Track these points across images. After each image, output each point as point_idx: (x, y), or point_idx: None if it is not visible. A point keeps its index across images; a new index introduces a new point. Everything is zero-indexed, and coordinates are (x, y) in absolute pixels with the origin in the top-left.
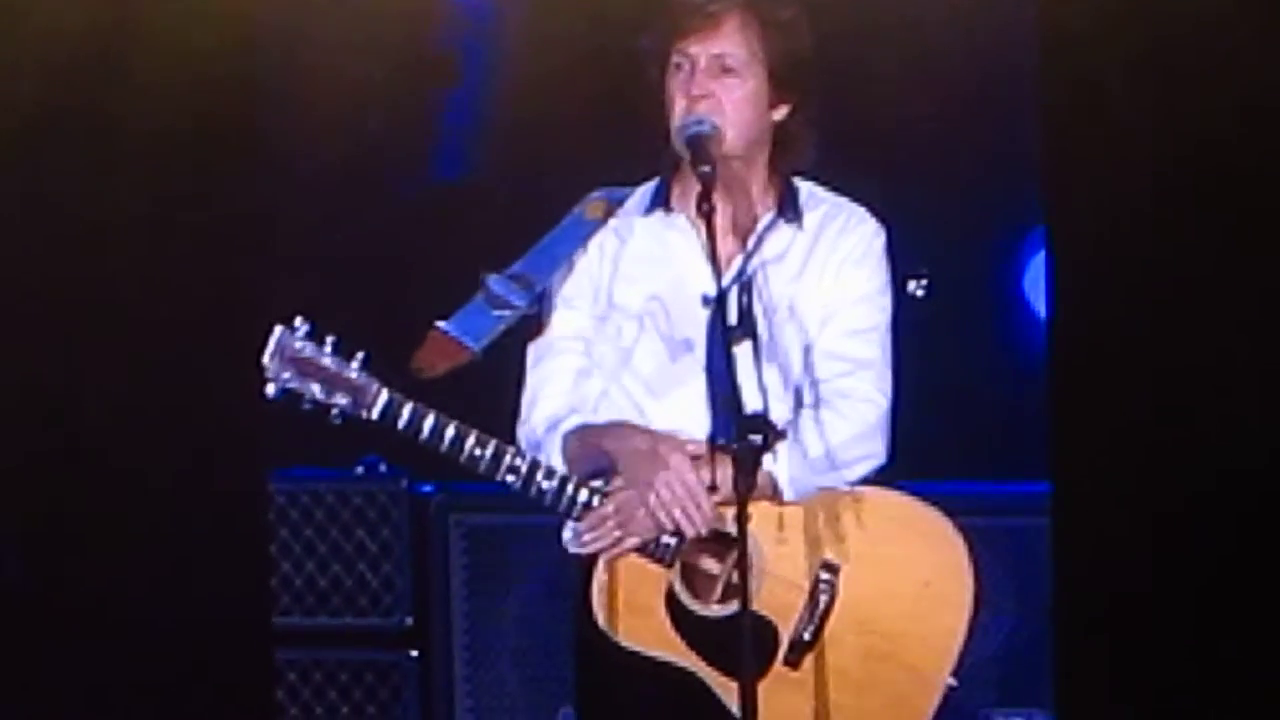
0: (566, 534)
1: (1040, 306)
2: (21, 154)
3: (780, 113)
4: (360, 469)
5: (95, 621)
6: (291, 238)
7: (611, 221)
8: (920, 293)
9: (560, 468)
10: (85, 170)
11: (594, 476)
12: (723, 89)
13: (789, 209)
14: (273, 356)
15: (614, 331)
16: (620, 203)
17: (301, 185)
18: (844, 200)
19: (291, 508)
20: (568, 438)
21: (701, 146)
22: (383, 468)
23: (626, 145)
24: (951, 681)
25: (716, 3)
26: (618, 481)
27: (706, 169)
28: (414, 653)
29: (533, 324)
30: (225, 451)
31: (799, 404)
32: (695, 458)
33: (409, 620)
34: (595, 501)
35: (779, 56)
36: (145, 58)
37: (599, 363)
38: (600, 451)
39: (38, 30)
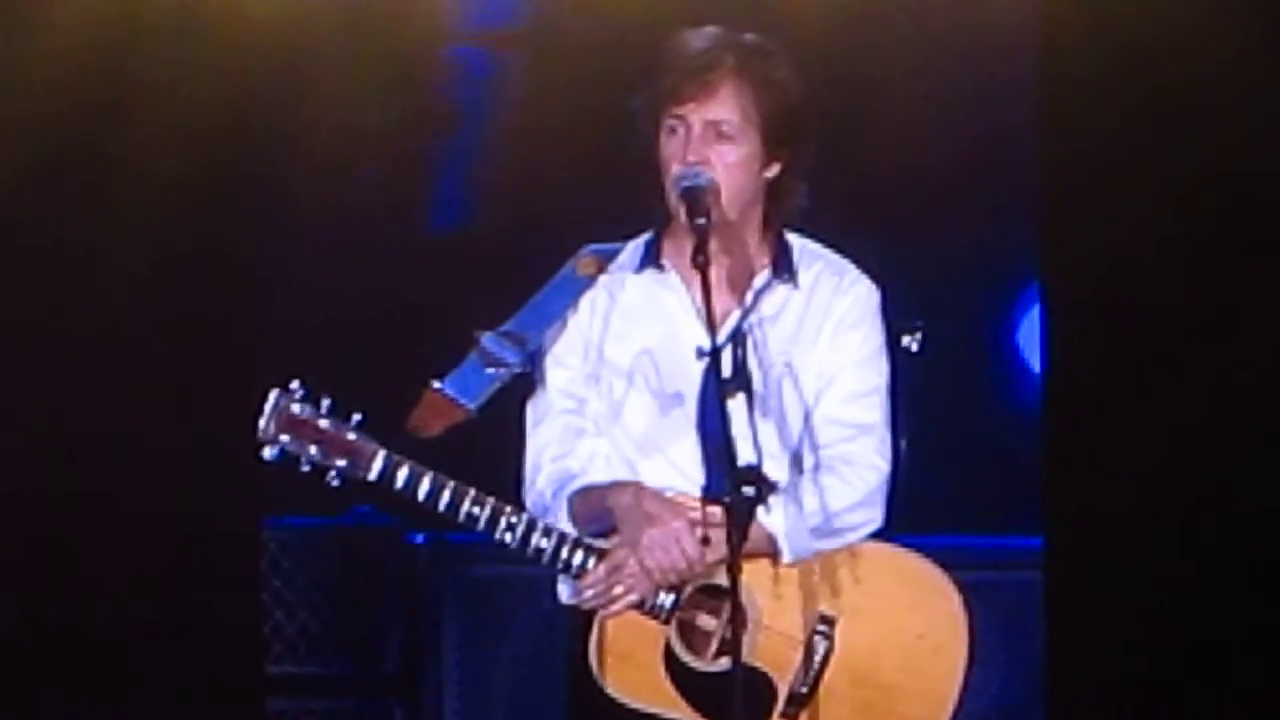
0: (562, 588)
1: (1035, 360)
2: (21, 203)
3: (773, 171)
4: (353, 518)
5: (89, 667)
6: (288, 291)
7: (603, 278)
8: (915, 346)
9: (570, 530)
10: (83, 219)
11: (601, 536)
12: (717, 155)
13: (783, 268)
14: (269, 419)
15: (605, 388)
16: (612, 258)
17: (298, 237)
18: (837, 258)
19: (284, 556)
20: (572, 499)
21: (697, 199)
22: (376, 517)
23: (620, 201)
24: None
25: (712, 70)
26: (614, 539)
27: (702, 221)
28: (405, 701)
29: (527, 381)
30: (219, 499)
31: (799, 468)
32: (693, 516)
33: (400, 669)
34: (591, 560)
35: (772, 117)
36: (145, 109)
37: (593, 419)
38: (603, 510)
39: (38, 79)
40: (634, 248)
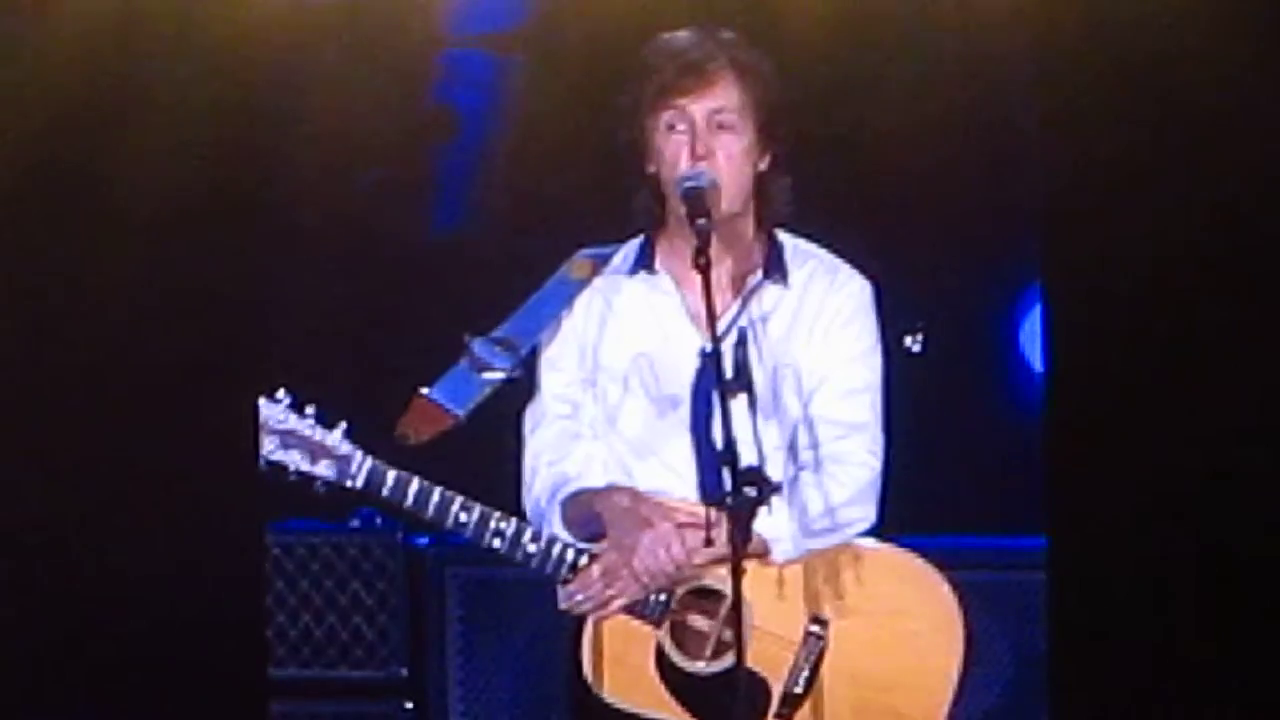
0: (560, 591)
1: (1037, 361)
2: (18, 211)
3: (764, 163)
4: (355, 521)
5: (91, 671)
6: (290, 293)
7: (597, 281)
8: (916, 347)
9: (563, 534)
10: (79, 230)
11: (593, 540)
12: (720, 146)
13: (774, 268)
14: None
15: (600, 392)
16: (606, 261)
17: (296, 243)
18: (829, 256)
19: (287, 560)
20: (565, 504)
21: (699, 200)
22: (378, 520)
23: (618, 204)
24: None
25: (709, 60)
26: (604, 544)
27: (703, 222)
28: (409, 705)
29: (519, 387)
30: (221, 504)
31: (792, 467)
32: (689, 519)
33: (404, 672)
34: (581, 563)
35: (764, 109)
36: (140, 114)
37: (589, 424)
38: (594, 514)
39: (34, 92)
40: (627, 250)
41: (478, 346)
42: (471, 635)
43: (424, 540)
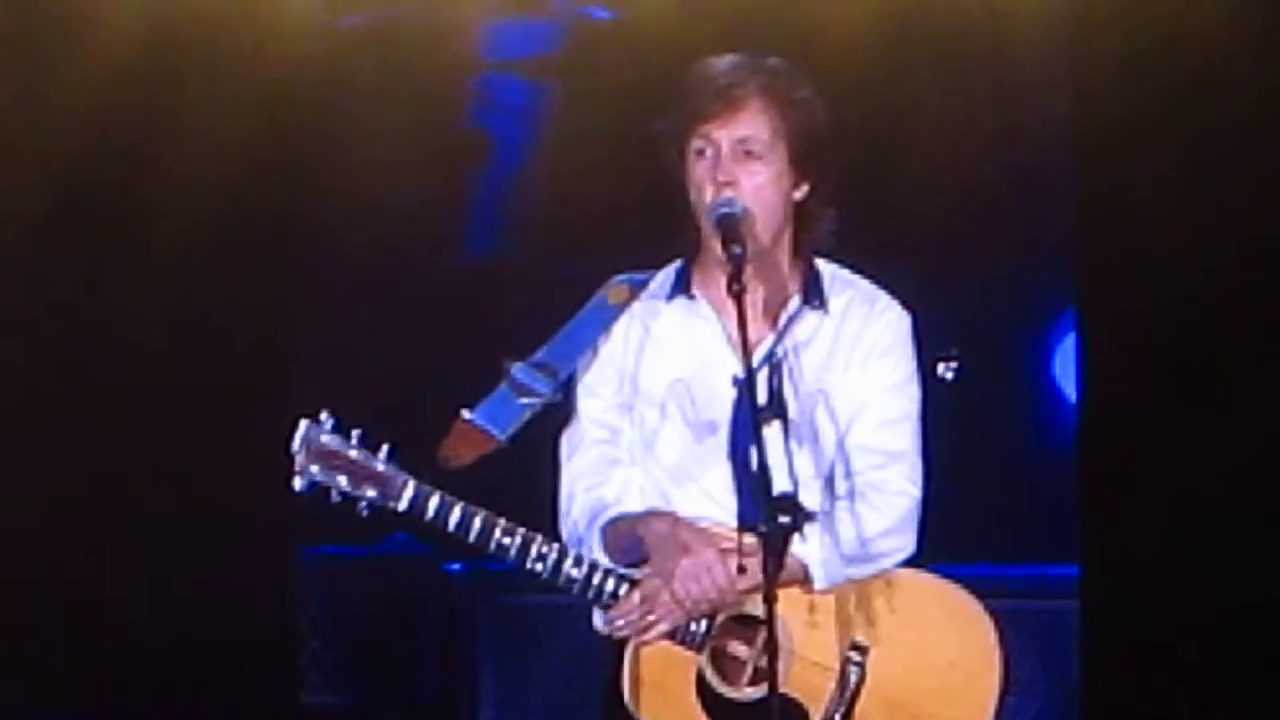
0: (597, 617)
1: (1070, 389)
2: (55, 239)
3: (800, 192)
4: (389, 547)
5: (126, 696)
6: (322, 320)
7: (635, 306)
8: (950, 375)
9: (603, 560)
10: (117, 253)
11: (634, 565)
12: (746, 174)
13: (813, 294)
14: (299, 450)
15: (638, 418)
16: (643, 287)
17: (332, 268)
18: (868, 285)
19: (320, 585)
20: (605, 530)
21: (732, 227)
22: (412, 546)
23: (654, 229)
24: None
25: (738, 86)
26: (646, 569)
27: (738, 250)
28: None
29: (558, 411)
30: (255, 529)
31: (831, 495)
32: (724, 545)
33: (437, 697)
34: (623, 589)
35: (798, 136)
36: (178, 139)
37: (627, 449)
38: (635, 540)
39: (69, 115)
40: (664, 276)
41: (517, 371)
42: (504, 661)
43: (457, 566)
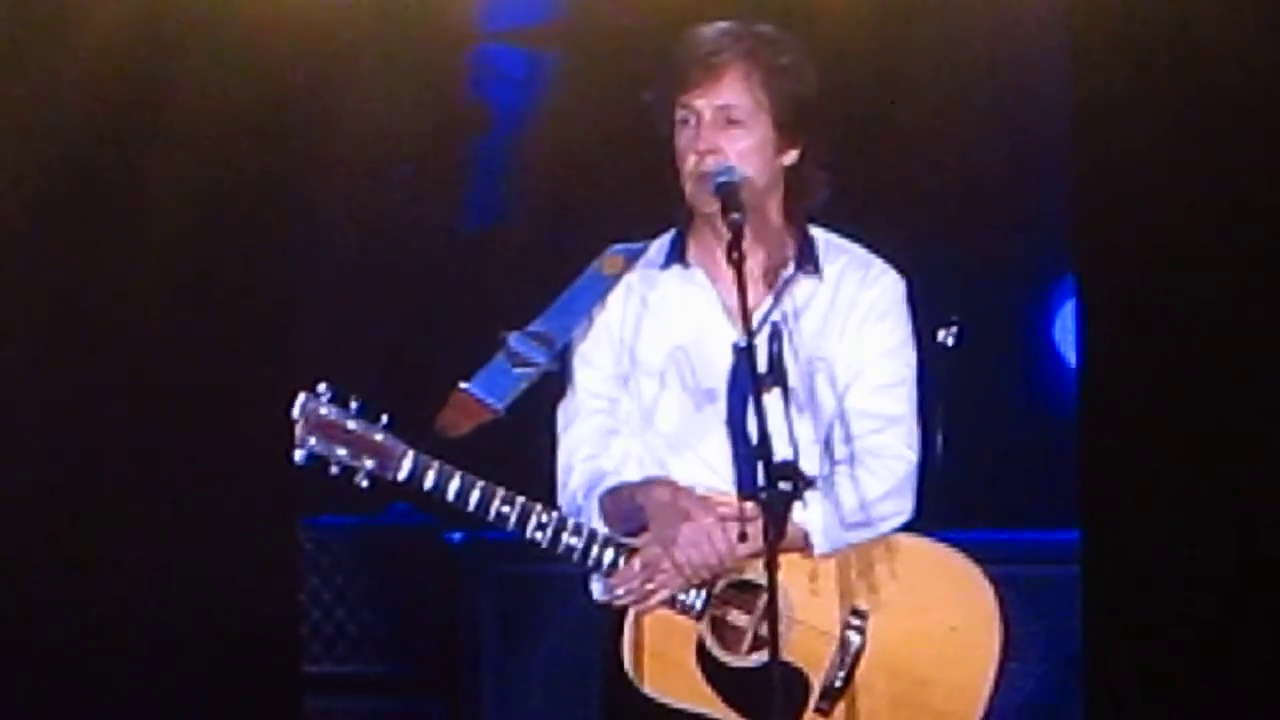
0: (595, 586)
1: (1070, 354)
2: (52, 209)
3: (790, 158)
4: (390, 517)
5: (126, 667)
6: (319, 291)
7: (631, 276)
8: (950, 341)
9: (602, 529)
10: (115, 225)
11: (633, 534)
12: (728, 141)
13: (807, 260)
14: (298, 422)
15: (636, 388)
16: (638, 257)
17: (330, 239)
18: (862, 251)
19: (321, 555)
20: (604, 499)
21: (732, 195)
22: (413, 516)
23: (652, 198)
24: None
25: (718, 54)
26: (645, 537)
27: (737, 216)
28: (443, 700)
29: (555, 381)
30: (256, 499)
31: (830, 460)
32: (723, 512)
33: (438, 667)
34: (623, 559)
35: (783, 102)
36: (175, 111)
37: (625, 420)
38: (634, 508)
39: (64, 91)
40: (659, 245)
41: (514, 341)
42: (505, 630)
43: (458, 536)
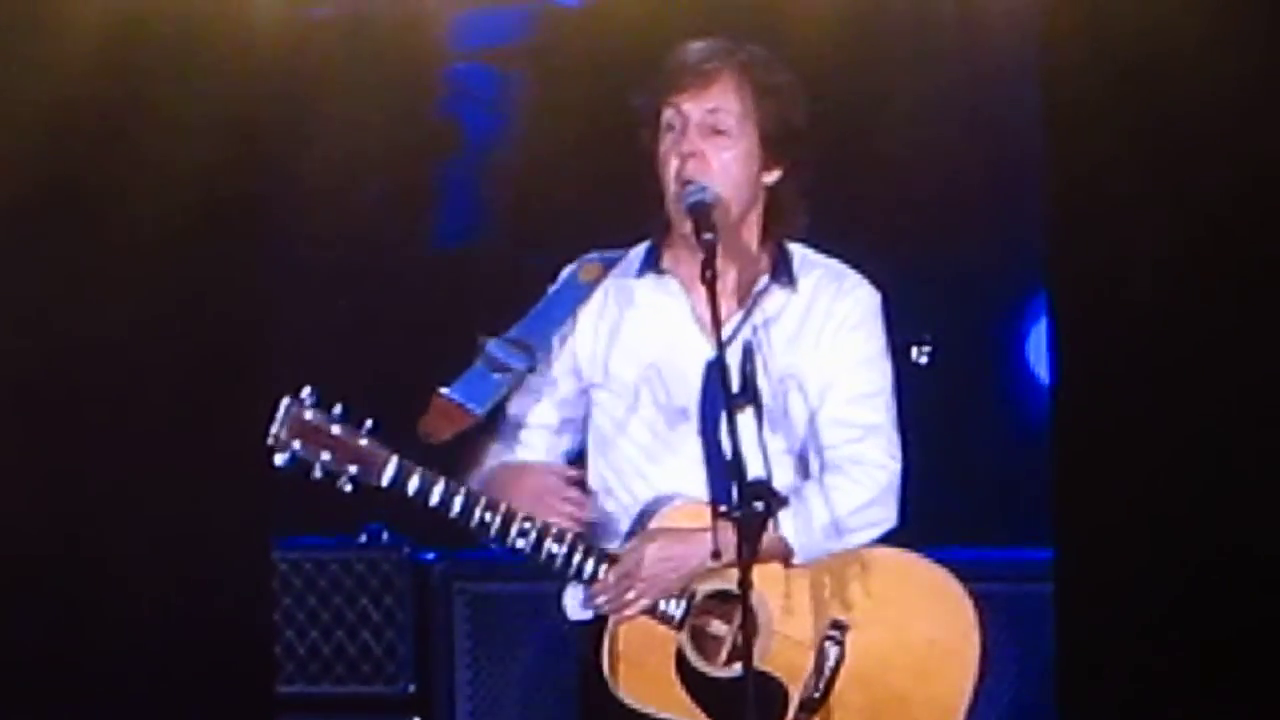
0: (569, 604)
1: (1043, 373)
2: (26, 225)
3: (772, 177)
4: (363, 537)
5: (99, 687)
6: (295, 309)
7: (607, 283)
8: (924, 359)
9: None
10: (88, 240)
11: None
12: (713, 148)
13: (782, 272)
14: (281, 426)
15: (610, 402)
16: (613, 265)
17: (304, 255)
18: (837, 264)
19: (295, 576)
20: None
21: (704, 214)
22: (385, 536)
23: (624, 216)
24: None
25: (710, 61)
26: (627, 545)
27: (710, 237)
28: None
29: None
30: (228, 520)
31: (806, 471)
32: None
33: (412, 688)
34: (603, 568)
35: (771, 120)
36: (148, 130)
37: (596, 430)
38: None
39: (42, 104)
40: (635, 254)
41: (492, 347)
42: (479, 650)
43: (431, 556)
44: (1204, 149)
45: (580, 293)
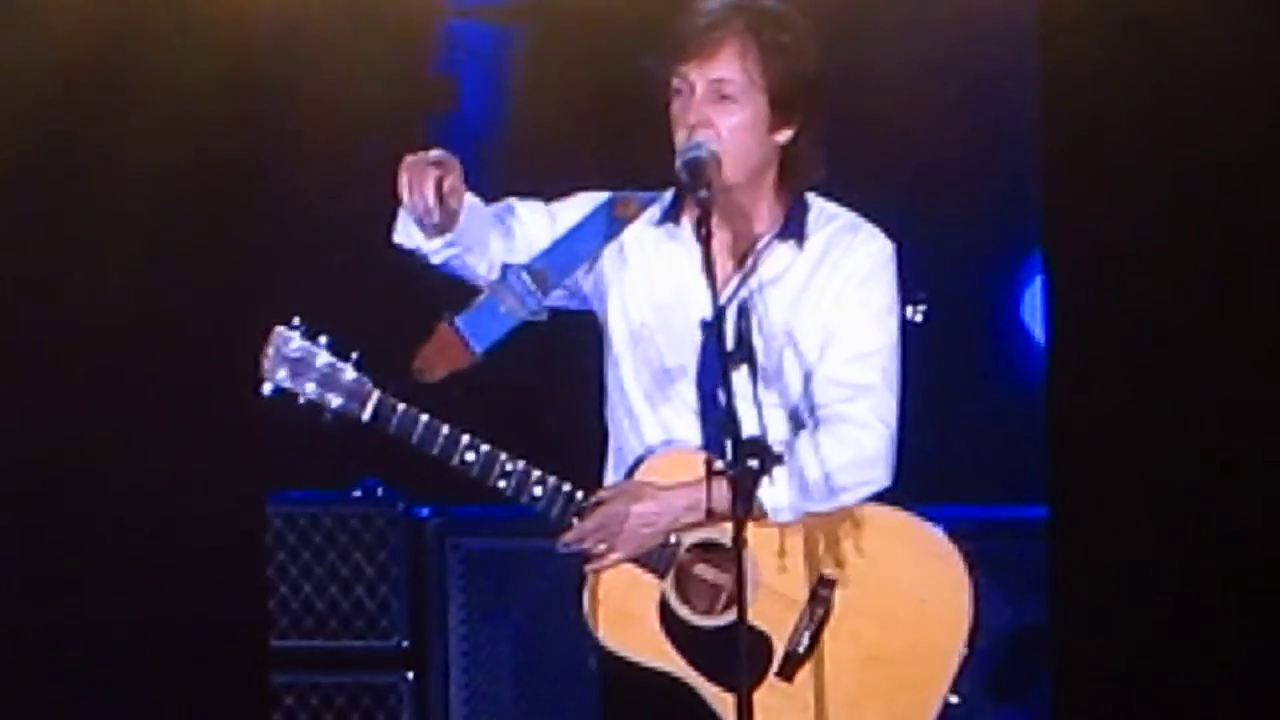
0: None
1: (1038, 331)
2: (20, 180)
3: (784, 135)
4: (358, 492)
5: (92, 644)
6: (289, 266)
7: (627, 234)
8: (919, 317)
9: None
10: (79, 205)
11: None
12: (719, 116)
13: (793, 229)
14: (269, 355)
15: (615, 341)
16: (647, 206)
17: (299, 217)
18: (853, 217)
19: (289, 531)
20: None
21: (698, 171)
22: (380, 491)
23: (623, 174)
24: (953, 699)
25: (717, 28)
26: (609, 491)
27: (704, 194)
28: (410, 675)
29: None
30: (222, 474)
31: (796, 428)
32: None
33: (406, 643)
34: (585, 509)
35: (780, 81)
36: (141, 91)
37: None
38: None
39: (30, 67)
40: (663, 200)
41: (511, 276)
42: (473, 606)
43: (425, 511)
44: (1201, 109)
45: (612, 228)
